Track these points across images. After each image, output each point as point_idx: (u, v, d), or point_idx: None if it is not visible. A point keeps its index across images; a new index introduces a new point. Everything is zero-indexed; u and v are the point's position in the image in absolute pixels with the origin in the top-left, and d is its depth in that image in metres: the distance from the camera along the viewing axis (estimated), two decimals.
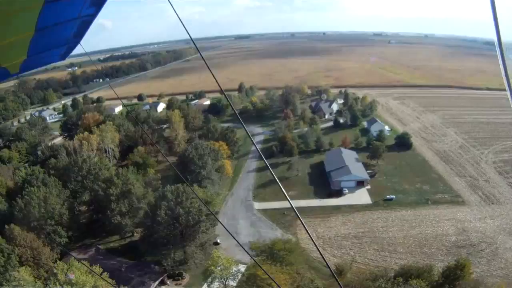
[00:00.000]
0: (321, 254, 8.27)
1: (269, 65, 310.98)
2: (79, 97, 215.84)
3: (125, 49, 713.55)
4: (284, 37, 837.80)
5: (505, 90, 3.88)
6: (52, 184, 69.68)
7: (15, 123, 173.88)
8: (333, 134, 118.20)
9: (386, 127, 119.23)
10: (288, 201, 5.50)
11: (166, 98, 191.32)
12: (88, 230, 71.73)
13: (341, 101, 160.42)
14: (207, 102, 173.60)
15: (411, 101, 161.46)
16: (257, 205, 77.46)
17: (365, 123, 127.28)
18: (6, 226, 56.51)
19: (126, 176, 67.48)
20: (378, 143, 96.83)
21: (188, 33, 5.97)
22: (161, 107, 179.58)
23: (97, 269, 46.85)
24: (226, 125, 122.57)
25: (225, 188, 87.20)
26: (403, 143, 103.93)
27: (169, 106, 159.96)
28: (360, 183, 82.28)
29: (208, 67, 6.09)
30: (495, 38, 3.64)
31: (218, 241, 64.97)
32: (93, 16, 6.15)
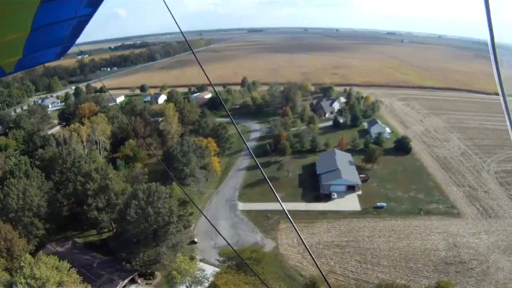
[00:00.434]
0: (313, 258, 8.03)
1: (277, 60, 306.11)
2: (83, 86, 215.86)
3: (137, 38, 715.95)
4: (297, 32, 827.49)
5: None
6: (34, 175, 69.06)
7: (18, 110, 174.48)
8: (331, 134, 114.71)
9: (387, 129, 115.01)
10: (280, 204, 5.53)
11: (168, 90, 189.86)
12: (70, 223, 70.86)
13: (343, 99, 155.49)
14: (208, 96, 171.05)
15: (416, 103, 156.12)
16: (242, 206, 75.19)
17: (365, 124, 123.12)
18: None
19: (105, 170, 65.86)
20: (374, 146, 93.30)
21: (179, 27, 5.91)
22: (162, 99, 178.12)
23: (65, 264, 45.97)
24: (224, 120, 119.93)
25: (212, 186, 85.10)
26: (402, 147, 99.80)
27: (169, 99, 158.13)
28: (351, 188, 79.10)
29: (198, 61, 6.18)
30: (488, 40, 3.59)
31: (196, 240, 63.27)
32: (89, 16, 6.14)
